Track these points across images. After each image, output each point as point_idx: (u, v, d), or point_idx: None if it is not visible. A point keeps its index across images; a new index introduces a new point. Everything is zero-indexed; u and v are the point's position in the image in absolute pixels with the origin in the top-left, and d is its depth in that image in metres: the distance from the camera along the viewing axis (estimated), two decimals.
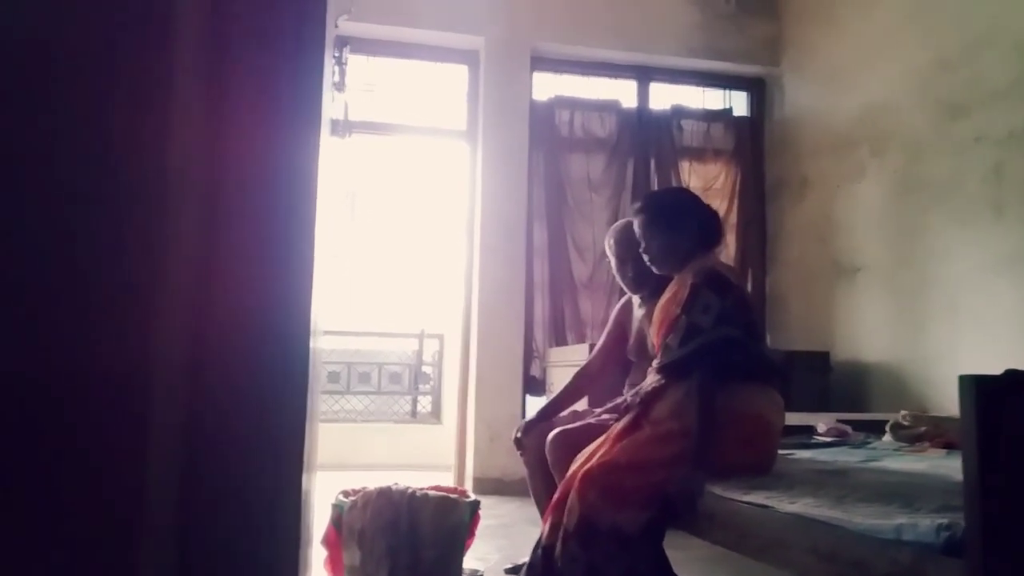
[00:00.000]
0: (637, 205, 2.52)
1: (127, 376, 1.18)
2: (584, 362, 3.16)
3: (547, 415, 2.89)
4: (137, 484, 1.18)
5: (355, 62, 4.84)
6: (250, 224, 1.42)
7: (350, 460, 5.64)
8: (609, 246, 2.91)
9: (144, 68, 1.22)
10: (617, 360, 2.95)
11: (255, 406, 1.39)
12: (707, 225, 2.42)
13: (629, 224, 2.85)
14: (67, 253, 1.17)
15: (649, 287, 2.77)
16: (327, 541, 2.39)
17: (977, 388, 1.24)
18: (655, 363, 2.24)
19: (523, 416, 4.89)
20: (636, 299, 2.91)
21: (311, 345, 1.51)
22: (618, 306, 3.05)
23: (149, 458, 1.20)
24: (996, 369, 1.29)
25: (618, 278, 2.93)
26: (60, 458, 1.14)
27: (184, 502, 1.31)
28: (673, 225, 2.39)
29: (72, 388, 1.15)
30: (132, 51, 1.22)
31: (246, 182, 1.40)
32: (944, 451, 2.61)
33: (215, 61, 1.39)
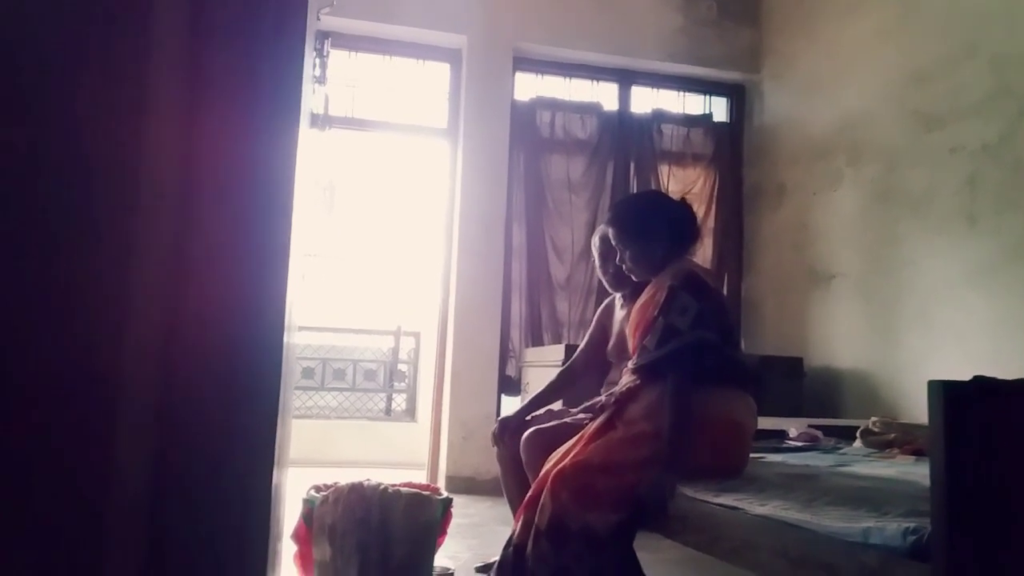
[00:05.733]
0: (607, 216, 2.53)
1: (98, 369, 1.17)
2: (567, 361, 3.17)
3: (528, 411, 2.88)
4: (107, 478, 1.17)
5: (337, 57, 4.83)
6: (226, 218, 1.40)
7: (323, 457, 5.62)
8: (594, 244, 2.94)
9: (121, 58, 1.21)
10: (600, 360, 2.96)
11: (227, 401, 1.38)
12: (680, 227, 2.41)
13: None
14: (39, 246, 1.16)
15: (629, 286, 2.79)
16: (297, 536, 2.38)
17: (945, 393, 1.26)
18: (631, 364, 2.25)
19: (498, 415, 4.90)
20: (618, 300, 2.93)
21: (285, 340, 1.50)
22: (601, 307, 3.06)
23: (119, 451, 1.18)
24: (967, 378, 1.30)
25: (600, 275, 2.96)
26: (30, 454, 1.13)
27: (154, 496, 1.30)
28: (643, 233, 2.39)
29: (43, 385, 1.13)
30: (109, 41, 1.21)
31: (223, 174, 1.39)
32: (913, 458, 2.64)
33: (194, 52, 1.38)
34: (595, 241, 2.95)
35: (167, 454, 1.32)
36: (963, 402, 1.26)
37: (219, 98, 1.39)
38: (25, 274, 1.15)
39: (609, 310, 3.00)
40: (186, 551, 1.31)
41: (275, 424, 1.44)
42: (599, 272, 2.96)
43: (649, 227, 2.39)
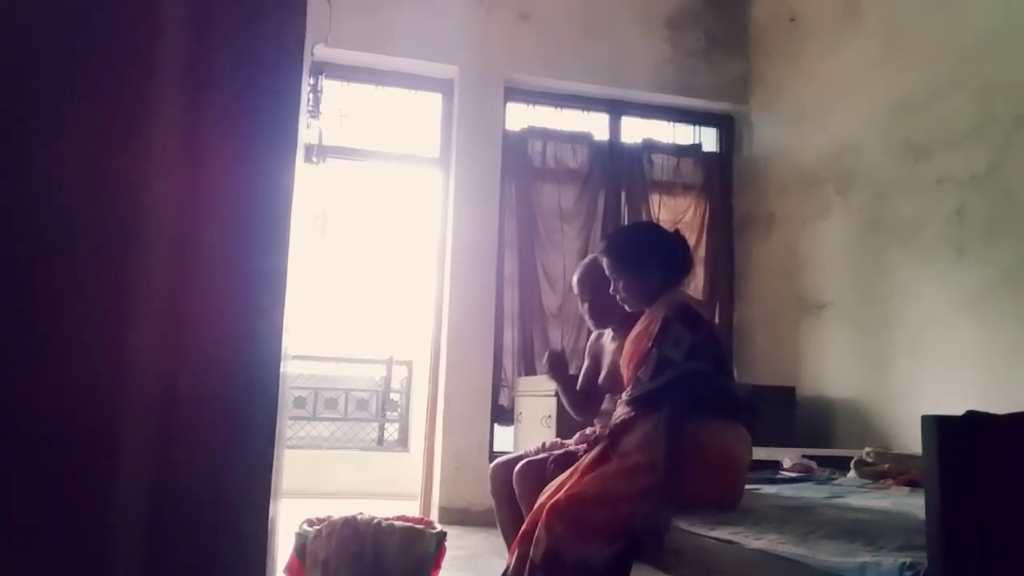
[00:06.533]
0: (601, 246, 2.54)
1: (96, 400, 1.17)
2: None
3: (574, 383, 2.97)
4: (104, 508, 1.16)
5: (330, 88, 4.85)
6: (223, 250, 1.41)
7: (315, 487, 5.57)
8: (574, 285, 2.97)
9: (122, 91, 1.21)
10: (596, 391, 2.96)
11: (224, 432, 1.37)
12: (673, 257, 2.43)
13: (590, 263, 2.92)
14: (39, 275, 1.16)
15: (612, 322, 2.84)
16: (290, 570, 2.36)
17: (939, 428, 1.26)
18: (624, 395, 2.25)
19: (491, 446, 4.88)
20: (609, 332, 2.93)
21: (281, 370, 1.50)
22: (591, 338, 3.07)
23: (116, 481, 1.18)
24: (958, 407, 1.31)
25: (583, 313, 2.98)
26: (27, 478, 1.12)
27: (151, 526, 1.29)
28: (637, 264, 2.40)
29: (41, 412, 1.13)
30: (110, 75, 1.22)
31: (221, 208, 1.39)
32: (907, 489, 2.63)
33: (193, 86, 1.39)
34: (574, 282, 2.97)
35: (163, 484, 1.31)
36: (956, 437, 1.26)
37: (217, 134, 1.40)
38: (26, 302, 1.15)
39: (599, 341, 3.01)
40: None
41: (272, 456, 1.43)
42: (582, 311, 2.97)
43: (643, 257, 2.40)
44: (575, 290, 2.97)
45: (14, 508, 1.13)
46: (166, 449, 1.32)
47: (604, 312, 2.84)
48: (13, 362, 1.14)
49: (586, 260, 3.01)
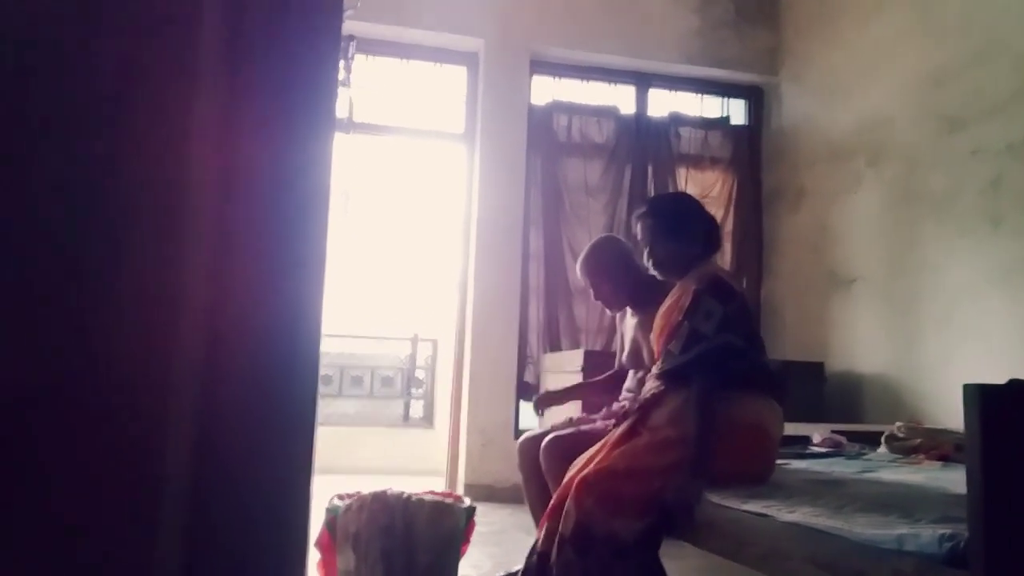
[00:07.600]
0: (643, 209, 2.49)
1: (139, 377, 1.16)
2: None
3: (570, 394, 2.97)
4: (147, 484, 1.17)
5: (354, 61, 4.83)
6: (264, 224, 1.40)
7: (342, 464, 5.60)
8: (578, 272, 3.01)
9: (166, 67, 1.20)
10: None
11: (266, 409, 1.37)
12: (709, 232, 2.40)
13: (591, 249, 2.92)
14: (80, 251, 1.15)
15: (618, 304, 2.90)
16: (320, 544, 2.37)
17: (982, 397, 1.23)
18: (655, 369, 2.23)
19: (516, 422, 4.88)
20: (628, 309, 2.92)
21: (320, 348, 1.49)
22: (618, 316, 3.06)
23: (159, 458, 1.18)
24: (991, 382, 1.28)
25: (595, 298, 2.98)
26: (68, 460, 1.13)
27: (193, 502, 1.29)
28: (680, 231, 2.36)
29: (82, 391, 1.13)
30: (153, 50, 1.21)
31: (261, 182, 1.38)
32: (940, 463, 2.60)
33: (231, 60, 1.37)
34: (578, 269, 2.99)
35: (206, 460, 1.32)
36: (1000, 405, 1.23)
37: (255, 107, 1.39)
38: (65, 281, 1.15)
39: (622, 317, 3.00)
40: (224, 558, 1.30)
41: (313, 432, 1.43)
42: (594, 298, 2.95)
43: (687, 226, 2.36)
44: (580, 276, 2.99)
45: (55, 489, 1.13)
46: (208, 427, 1.32)
47: (610, 294, 2.88)
48: (54, 339, 1.14)
49: (587, 247, 3.01)
